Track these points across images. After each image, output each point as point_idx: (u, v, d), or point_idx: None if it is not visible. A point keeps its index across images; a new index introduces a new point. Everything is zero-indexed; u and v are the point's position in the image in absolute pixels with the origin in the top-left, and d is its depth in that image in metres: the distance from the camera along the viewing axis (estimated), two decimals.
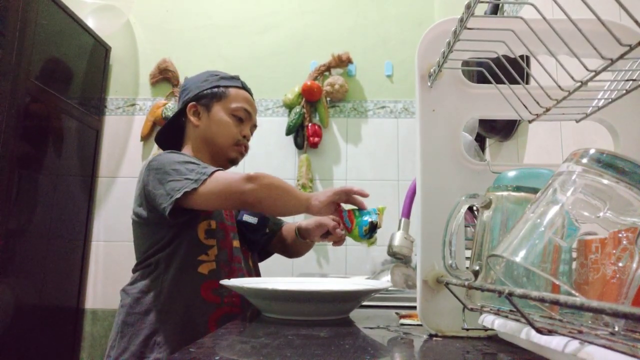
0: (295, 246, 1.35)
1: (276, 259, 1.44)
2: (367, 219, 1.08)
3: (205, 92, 1.23)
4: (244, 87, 1.28)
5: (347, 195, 1.08)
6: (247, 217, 1.22)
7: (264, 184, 1.02)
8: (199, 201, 1.01)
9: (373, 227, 1.09)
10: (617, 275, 0.41)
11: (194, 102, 1.23)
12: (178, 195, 0.99)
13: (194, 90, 1.25)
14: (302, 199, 1.07)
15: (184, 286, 1.08)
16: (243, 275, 1.14)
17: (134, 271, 1.14)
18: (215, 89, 1.24)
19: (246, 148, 1.27)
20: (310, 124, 2.17)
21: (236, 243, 1.17)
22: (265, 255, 1.40)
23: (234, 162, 1.25)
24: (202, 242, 1.11)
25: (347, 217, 1.10)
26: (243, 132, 1.24)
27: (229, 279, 0.89)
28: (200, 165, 1.05)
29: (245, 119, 1.24)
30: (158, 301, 1.07)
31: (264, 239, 1.31)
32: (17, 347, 1.67)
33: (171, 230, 1.09)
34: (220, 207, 1.13)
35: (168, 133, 1.29)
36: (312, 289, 0.78)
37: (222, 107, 1.22)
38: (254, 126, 1.30)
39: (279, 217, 1.40)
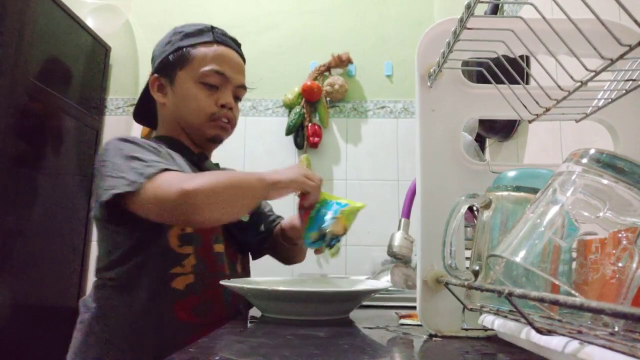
0: (284, 251, 1.11)
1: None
2: (320, 223, 0.85)
3: (167, 58, 0.98)
4: (217, 40, 0.99)
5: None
6: None
7: (206, 192, 0.76)
8: (137, 209, 0.79)
9: (322, 237, 0.84)
10: (617, 276, 0.41)
11: (156, 75, 1.00)
12: (106, 198, 0.78)
13: (158, 57, 1.00)
14: (258, 187, 0.84)
15: (154, 306, 0.85)
16: None
17: (95, 280, 0.92)
18: (178, 52, 0.97)
19: (230, 120, 1.00)
20: (310, 124, 2.17)
21: (219, 247, 0.93)
22: (258, 254, 1.16)
23: (215, 140, 1.01)
24: (175, 250, 0.87)
25: (303, 215, 0.89)
26: (220, 100, 0.97)
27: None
28: (146, 162, 0.81)
29: (221, 83, 0.97)
30: (125, 322, 0.86)
31: (257, 239, 1.10)
32: (16, 347, 1.67)
33: (134, 235, 0.87)
34: (162, 222, 0.85)
35: (143, 111, 1.08)
36: (312, 289, 0.78)
37: (188, 74, 0.96)
38: (242, 88, 1.02)
39: (272, 213, 1.17)
